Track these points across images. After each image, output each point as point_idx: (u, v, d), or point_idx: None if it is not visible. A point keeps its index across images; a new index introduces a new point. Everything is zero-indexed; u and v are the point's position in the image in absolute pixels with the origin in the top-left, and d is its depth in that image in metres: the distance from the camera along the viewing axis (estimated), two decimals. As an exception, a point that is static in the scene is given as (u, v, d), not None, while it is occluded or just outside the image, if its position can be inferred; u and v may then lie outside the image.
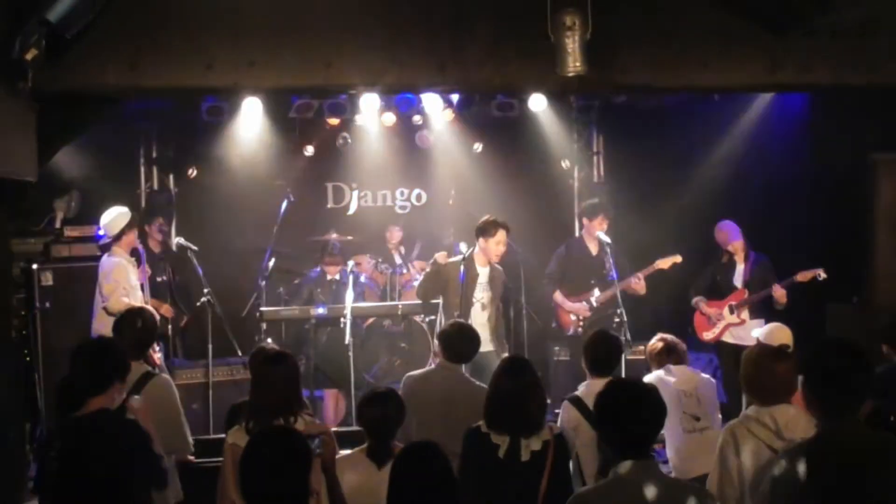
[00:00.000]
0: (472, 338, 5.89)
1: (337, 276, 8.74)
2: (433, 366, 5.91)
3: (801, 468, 3.36)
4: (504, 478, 4.49)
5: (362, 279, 9.28)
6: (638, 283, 8.15)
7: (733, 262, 8.36)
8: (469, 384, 5.77)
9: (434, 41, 6.88)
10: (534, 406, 4.60)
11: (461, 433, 4.76)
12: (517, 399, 4.58)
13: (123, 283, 7.36)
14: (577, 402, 5.33)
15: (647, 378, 5.99)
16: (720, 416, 6.04)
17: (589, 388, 5.39)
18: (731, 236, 8.33)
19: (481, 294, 7.57)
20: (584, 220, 8.67)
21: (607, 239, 8.21)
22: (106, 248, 7.64)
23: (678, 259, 8.33)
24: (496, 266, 7.72)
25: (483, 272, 7.59)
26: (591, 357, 5.54)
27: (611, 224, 8.53)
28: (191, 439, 5.34)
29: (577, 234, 9.88)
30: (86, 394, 4.27)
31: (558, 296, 8.49)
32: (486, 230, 7.56)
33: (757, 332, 6.20)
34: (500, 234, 7.54)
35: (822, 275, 7.88)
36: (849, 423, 3.42)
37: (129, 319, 5.43)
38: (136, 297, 7.38)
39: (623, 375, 7.37)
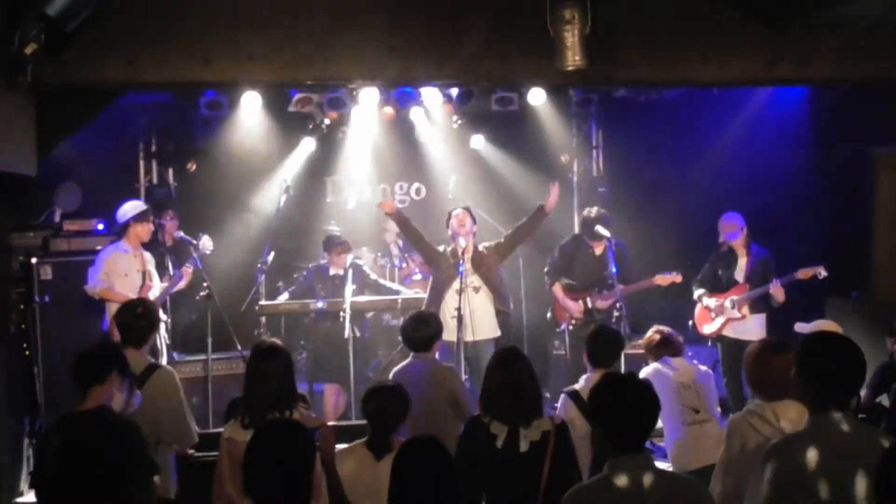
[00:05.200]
0: (425, 323, 5.95)
1: (340, 272, 8.70)
2: (410, 358, 5.96)
3: (790, 459, 3.38)
4: (502, 468, 4.49)
5: (366, 268, 9.24)
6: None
7: (735, 256, 8.27)
8: (438, 370, 5.89)
9: (433, 35, 6.87)
10: (526, 398, 4.60)
11: (439, 418, 4.99)
12: (509, 392, 4.58)
13: (109, 270, 7.51)
14: (575, 396, 5.34)
15: (645, 370, 6.01)
16: (719, 409, 6.04)
17: (588, 382, 5.41)
18: (729, 233, 8.22)
19: (470, 279, 7.66)
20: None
21: (606, 233, 8.18)
22: (116, 236, 7.74)
23: (678, 279, 8.29)
24: (479, 247, 7.83)
25: (465, 258, 7.69)
26: (591, 350, 5.57)
27: (609, 218, 8.51)
28: (196, 430, 5.35)
29: (576, 229, 9.88)
30: (86, 384, 4.29)
31: (557, 289, 8.49)
32: (447, 222, 7.90)
33: (802, 327, 6.20)
34: (456, 214, 7.86)
35: (823, 273, 7.81)
36: (838, 415, 3.44)
37: (129, 307, 5.46)
38: (129, 286, 7.47)
39: (622, 370, 7.40)
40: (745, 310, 8.13)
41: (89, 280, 7.54)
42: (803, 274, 7.87)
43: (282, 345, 4.87)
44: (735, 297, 8.14)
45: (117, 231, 7.80)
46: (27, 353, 7.77)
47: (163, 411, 5.04)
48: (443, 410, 5.69)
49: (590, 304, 8.33)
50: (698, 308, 8.38)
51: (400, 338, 6.27)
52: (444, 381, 5.82)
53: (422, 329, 5.90)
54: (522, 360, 4.77)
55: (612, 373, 4.19)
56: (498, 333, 7.82)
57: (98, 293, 7.52)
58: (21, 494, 6.86)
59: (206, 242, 7.98)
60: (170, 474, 5.18)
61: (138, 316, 5.36)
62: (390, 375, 5.96)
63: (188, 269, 7.80)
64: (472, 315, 7.56)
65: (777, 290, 7.93)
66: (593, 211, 8.53)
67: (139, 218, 7.71)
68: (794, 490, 3.35)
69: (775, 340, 4.58)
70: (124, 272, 7.58)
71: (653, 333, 6.25)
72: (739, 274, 8.24)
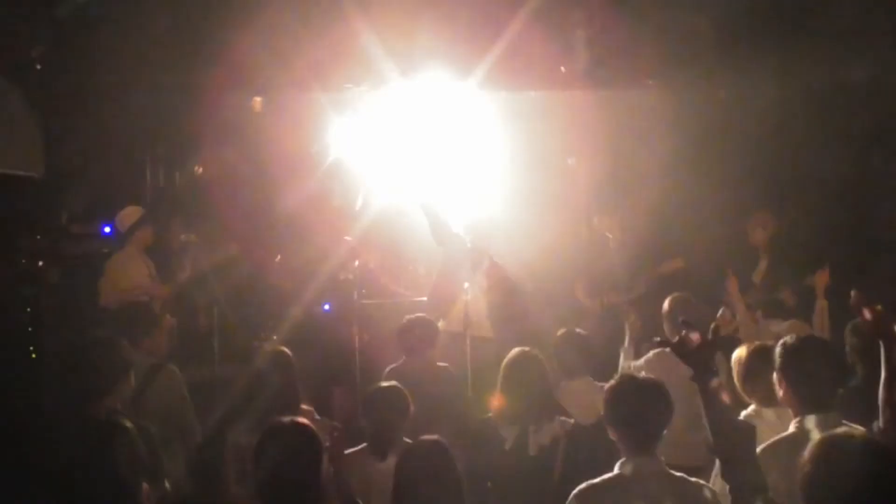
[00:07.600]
0: (419, 327, 6.06)
1: (350, 276, 8.70)
2: (404, 358, 6.00)
3: (781, 462, 3.38)
4: (511, 471, 4.50)
5: (374, 272, 9.24)
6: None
7: (757, 258, 8.23)
8: (433, 370, 5.95)
9: (437, 37, 6.88)
10: (539, 400, 4.60)
11: (432, 418, 4.98)
12: (523, 394, 4.59)
13: (118, 279, 7.45)
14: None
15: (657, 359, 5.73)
16: None
17: (562, 392, 5.36)
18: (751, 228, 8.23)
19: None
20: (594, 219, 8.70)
21: (620, 234, 8.21)
22: (121, 244, 7.68)
23: (680, 264, 8.28)
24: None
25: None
26: (560, 359, 5.52)
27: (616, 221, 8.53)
28: (199, 430, 5.38)
29: (583, 231, 9.88)
30: (93, 397, 4.31)
31: (577, 289, 8.58)
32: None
33: (775, 329, 6.11)
34: None
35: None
36: (822, 416, 3.44)
37: (122, 312, 5.50)
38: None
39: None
40: (759, 313, 8.04)
41: (102, 294, 7.43)
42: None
43: (284, 350, 4.91)
44: (750, 301, 8.06)
45: (121, 238, 7.74)
46: (34, 355, 7.79)
47: (170, 408, 5.13)
48: (436, 409, 5.69)
49: (603, 301, 8.39)
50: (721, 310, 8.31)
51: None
52: (438, 380, 5.86)
53: (414, 333, 5.95)
54: (536, 365, 4.77)
55: (626, 375, 4.17)
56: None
57: (113, 304, 7.36)
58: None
59: (202, 238, 7.96)
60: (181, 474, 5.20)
61: (130, 320, 5.41)
62: (384, 375, 6.00)
63: (190, 264, 7.78)
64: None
65: (787, 295, 7.88)
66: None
67: (143, 222, 7.69)
68: (785, 492, 3.34)
69: (760, 345, 4.52)
70: (136, 280, 7.54)
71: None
72: (757, 276, 8.18)
